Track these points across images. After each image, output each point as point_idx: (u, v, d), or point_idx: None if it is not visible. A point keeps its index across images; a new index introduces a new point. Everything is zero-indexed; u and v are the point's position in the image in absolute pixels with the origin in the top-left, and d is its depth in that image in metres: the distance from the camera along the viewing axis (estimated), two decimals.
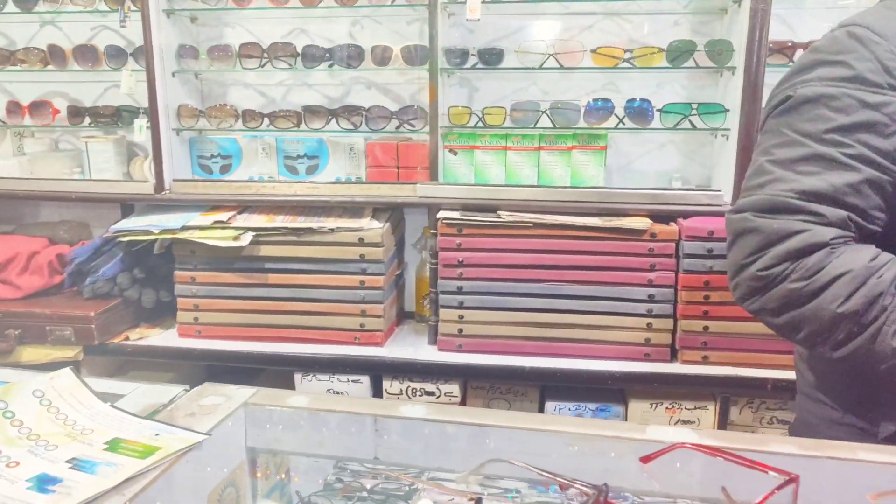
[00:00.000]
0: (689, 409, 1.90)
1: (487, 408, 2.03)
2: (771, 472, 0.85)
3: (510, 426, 1.00)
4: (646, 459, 0.91)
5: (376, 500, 0.97)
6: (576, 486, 0.86)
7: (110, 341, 2.10)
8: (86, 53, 2.24)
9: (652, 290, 1.90)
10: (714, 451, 0.90)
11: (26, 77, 2.42)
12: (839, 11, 2.00)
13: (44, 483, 0.81)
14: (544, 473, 0.89)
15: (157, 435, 0.92)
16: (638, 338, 1.93)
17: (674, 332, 1.92)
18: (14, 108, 2.34)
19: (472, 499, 0.91)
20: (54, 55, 2.26)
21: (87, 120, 2.33)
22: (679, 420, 1.91)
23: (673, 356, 1.94)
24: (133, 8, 2.15)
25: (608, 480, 0.87)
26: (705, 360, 1.89)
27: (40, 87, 2.48)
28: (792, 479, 0.83)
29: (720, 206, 1.91)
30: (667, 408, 1.91)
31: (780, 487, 0.82)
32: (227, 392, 1.07)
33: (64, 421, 0.94)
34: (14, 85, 2.52)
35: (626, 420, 1.93)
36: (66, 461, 0.85)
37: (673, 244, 1.88)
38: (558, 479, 0.88)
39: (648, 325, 1.92)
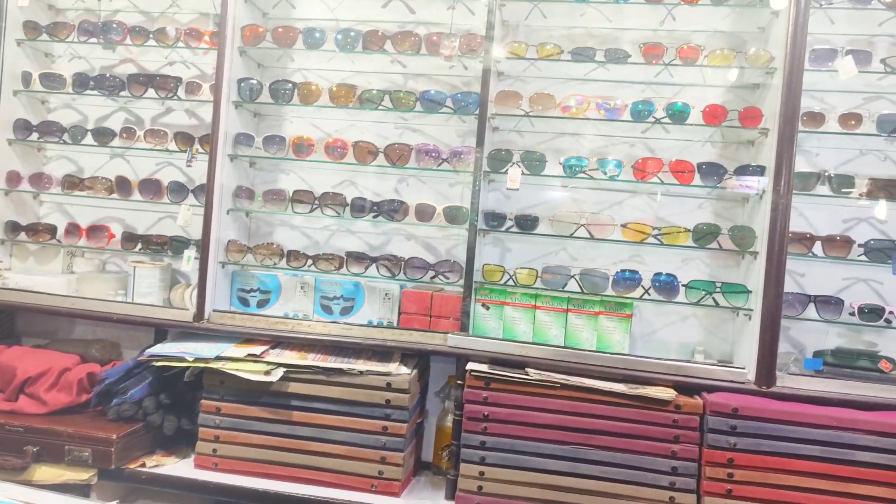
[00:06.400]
0: None
1: None
2: None
3: None
4: None
5: None
6: None
7: (126, 466, 2.08)
8: (150, 186, 2.41)
9: (675, 463, 1.90)
10: None
11: (87, 201, 2.58)
12: (851, 209, 2.17)
13: None
14: None
15: None
16: None
17: None
18: (73, 229, 2.48)
19: None
20: (121, 186, 2.43)
21: (139, 246, 2.45)
22: None
23: None
24: (201, 151, 2.35)
25: None
26: None
27: (99, 212, 2.64)
28: None
29: (743, 383, 1.96)
30: None
31: None
32: None
33: None
34: (74, 207, 2.68)
35: None
36: None
37: (697, 417, 1.90)
38: None
39: (671, 499, 1.90)
